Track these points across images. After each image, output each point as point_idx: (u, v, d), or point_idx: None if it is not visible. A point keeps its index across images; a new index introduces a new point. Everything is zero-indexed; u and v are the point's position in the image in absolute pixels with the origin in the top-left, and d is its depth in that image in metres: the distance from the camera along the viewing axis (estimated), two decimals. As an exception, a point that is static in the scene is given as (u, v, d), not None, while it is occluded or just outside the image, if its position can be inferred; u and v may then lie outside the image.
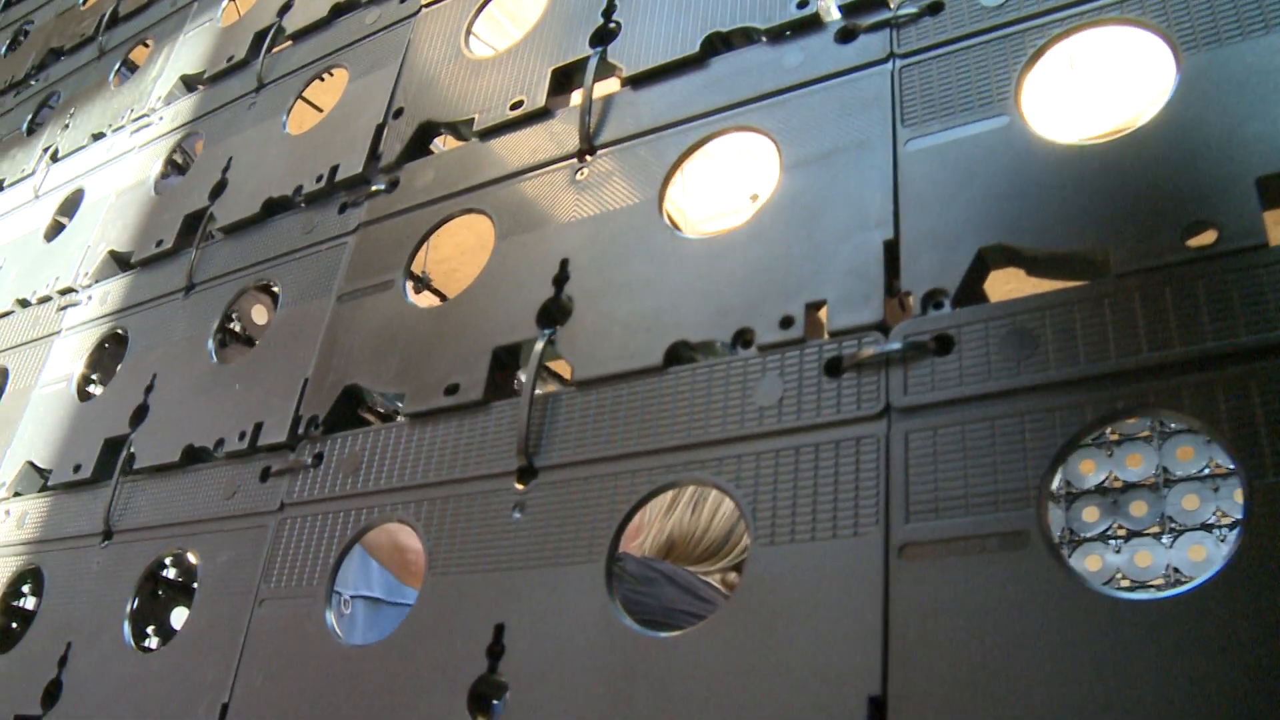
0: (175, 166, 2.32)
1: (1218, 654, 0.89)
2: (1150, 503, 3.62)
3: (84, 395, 2.09)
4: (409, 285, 1.70)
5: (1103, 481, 3.68)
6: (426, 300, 2.56)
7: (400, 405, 1.56)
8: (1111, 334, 1.07)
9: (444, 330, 1.56)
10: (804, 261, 1.29)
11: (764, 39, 1.53)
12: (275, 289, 1.87)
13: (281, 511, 1.59)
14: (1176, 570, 3.74)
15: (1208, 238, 1.08)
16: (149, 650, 1.63)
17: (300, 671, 1.42)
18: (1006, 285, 1.28)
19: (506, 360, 1.49)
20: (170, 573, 2.20)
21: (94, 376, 2.18)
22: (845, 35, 1.45)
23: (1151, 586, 3.74)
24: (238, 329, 2.16)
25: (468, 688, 1.25)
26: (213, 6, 2.57)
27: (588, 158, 1.59)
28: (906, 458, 1.11)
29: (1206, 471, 3.77)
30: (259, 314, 2.07)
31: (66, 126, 2.72)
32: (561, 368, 1.50)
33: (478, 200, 1.68)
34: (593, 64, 1.64)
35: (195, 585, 1.62)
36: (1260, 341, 1.00)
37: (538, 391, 1.40)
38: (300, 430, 1.64)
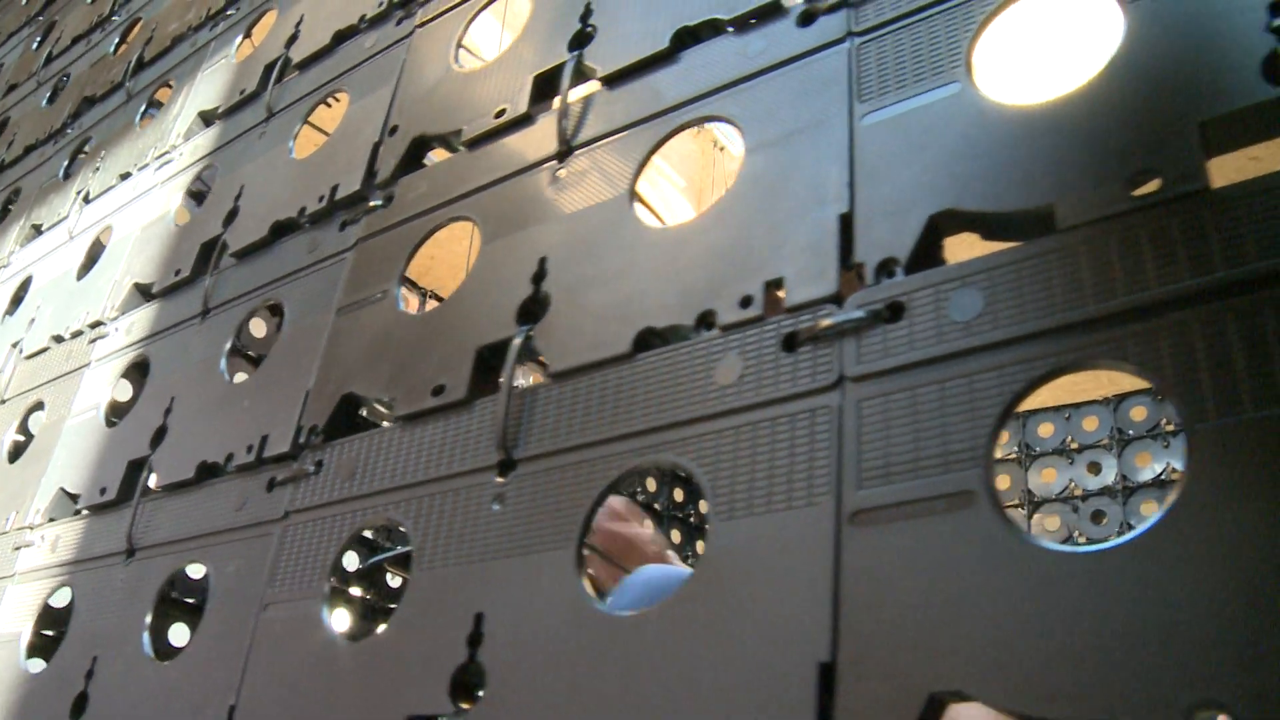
0: (194, 198, 2.38)
1: (1159, 602, 0.88)
2: (1106, 463, 3.59)
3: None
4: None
5: (1061, 443, 3.66)
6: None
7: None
8: (1058, 289, 1.07)
9: (432, 334, 1.59)
10: (763, 241, 1.30)
11: (730, 29, 1.55)
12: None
13: (286, 519, 1.63)
14: (1131, 526, 3.71)
15: (1152, 186, 1.08)
16: (166, 659, 1.67)
17: (300, 670, 1.45)
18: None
19: (490, 359, 1.51)
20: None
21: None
22: (805, 18, 1.47)
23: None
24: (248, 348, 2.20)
25: (449, 676, 1.28)
26: (228, 44, 2.65)
27: (567, 159, 1.62)
28: (859, 426, 1.12)
29: (1157, 429, 3.78)
30: (257, 328, 2.13)
31: (97, 169, 2.82)
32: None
33: (465, 208, 1.71)
34: (569, 67, 1.68)
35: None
36: (1201, 286, 0.99)
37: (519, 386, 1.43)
38: (302, 440, 1.68)
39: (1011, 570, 0.96)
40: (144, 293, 2.31)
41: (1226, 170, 1.11)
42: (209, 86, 2.60)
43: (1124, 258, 1.05)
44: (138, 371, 2.17)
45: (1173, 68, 1.12)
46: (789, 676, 1.02)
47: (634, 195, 1.50)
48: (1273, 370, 0.92)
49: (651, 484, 3.12)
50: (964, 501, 1.02)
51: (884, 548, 1.04)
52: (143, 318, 2.26)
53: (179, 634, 2.07)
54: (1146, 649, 0.87)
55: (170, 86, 2.81)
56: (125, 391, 2.24)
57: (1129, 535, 0.93)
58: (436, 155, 1.95)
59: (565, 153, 1.62)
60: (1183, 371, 0.97)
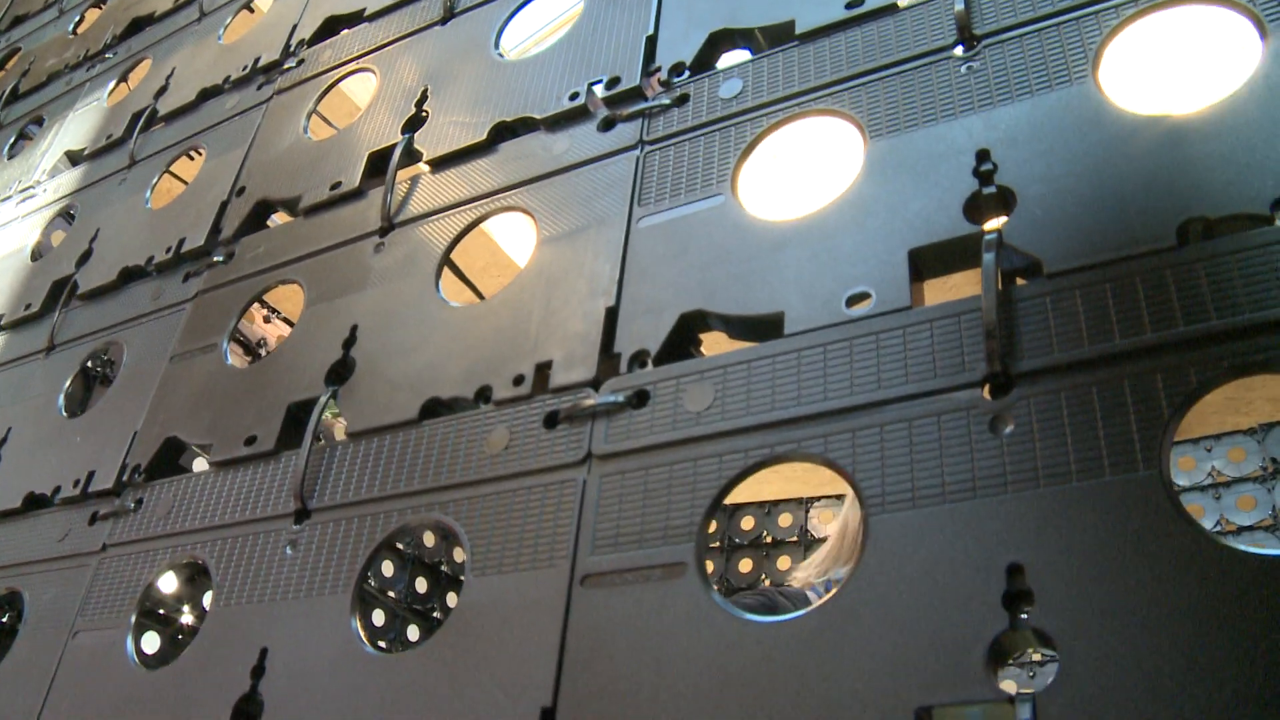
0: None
1: (834, 666, 1.03)
2: (795, 557, 3.86)
3: None
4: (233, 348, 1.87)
5: (758, 536, 3.94)
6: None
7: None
8: (774, 389, 1.24)
9: (251, 388, 1.72)
10: (540, 327, 1.46)
11: (542, 127, 1.72)
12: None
13: (103, 552, 1.74)
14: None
15: (865, 304, 1.25)
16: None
17: (101, 696, 1.56)
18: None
19: (300, 414, 1.65)
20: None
21: None
22: (606, 124, 1.64)
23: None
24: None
25: (232, 705, 1.40)
26: (102, 86, 2.76)
27: (388, 234, 1.76)
28: (599, 498, 1.27)
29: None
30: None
31: (-37, 196, 2.90)
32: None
33: (295, 271, 1.85)
34: (399, 149, 1.83)
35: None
36: (892, 394, 1.15)
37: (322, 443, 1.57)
38: (126, 478, 1.79)
39: (713, 636, 1.11)
40: (-5, 323, 2.40)
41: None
42: (79, 127, 2.70)
43: (832, 366, 1.22)
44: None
45: (896, 198, 1.30)
46: (515, 718, 1.17)
47: (438, 276, 1.64)
48: (942, 471, 1.08)
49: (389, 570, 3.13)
50: (677, 572, 1.18)
51: (606, 608, 1.19)
52: (-9, 348, 2.35)
53: None
54: (817, 711, 1.03)
55: (43, 119, 2.90)
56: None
57: (808, 609, 1.09)
58: (280, 217, 2.08)
59: (387, 228, 1.77)
60: (868, 468, 1.13)
